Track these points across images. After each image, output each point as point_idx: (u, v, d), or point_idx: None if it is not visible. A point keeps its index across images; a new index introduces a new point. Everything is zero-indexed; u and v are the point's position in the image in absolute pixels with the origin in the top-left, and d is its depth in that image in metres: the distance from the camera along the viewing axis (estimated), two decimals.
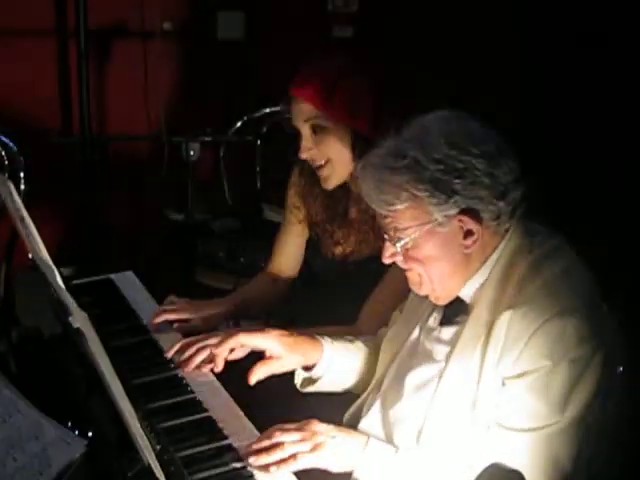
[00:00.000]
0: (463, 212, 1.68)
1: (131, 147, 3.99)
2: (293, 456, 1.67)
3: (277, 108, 3.69)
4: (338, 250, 2.43)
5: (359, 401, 2.02)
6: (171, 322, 2.32)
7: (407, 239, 1.73)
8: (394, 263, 2.26)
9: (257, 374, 1.93)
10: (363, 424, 1.94)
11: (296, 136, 2.30)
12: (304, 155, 2.28)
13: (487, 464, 1.42)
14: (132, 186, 4.00)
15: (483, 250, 1.74)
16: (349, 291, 2.39)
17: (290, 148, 2.39)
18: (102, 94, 3.95)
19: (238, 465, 1.71)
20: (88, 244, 3.80)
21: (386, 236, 1.78)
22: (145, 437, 1.53)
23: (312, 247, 2.54)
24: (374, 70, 2.29)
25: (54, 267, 1.58)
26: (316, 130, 2.24)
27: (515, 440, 1.64)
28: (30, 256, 1.88)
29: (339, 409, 2.04)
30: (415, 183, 1.66)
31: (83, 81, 3.76)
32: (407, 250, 1.75)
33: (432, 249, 1.72)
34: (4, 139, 3.29)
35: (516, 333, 1.64)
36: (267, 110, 3.72)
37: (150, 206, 3.87)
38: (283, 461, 1.67)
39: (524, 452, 1.62)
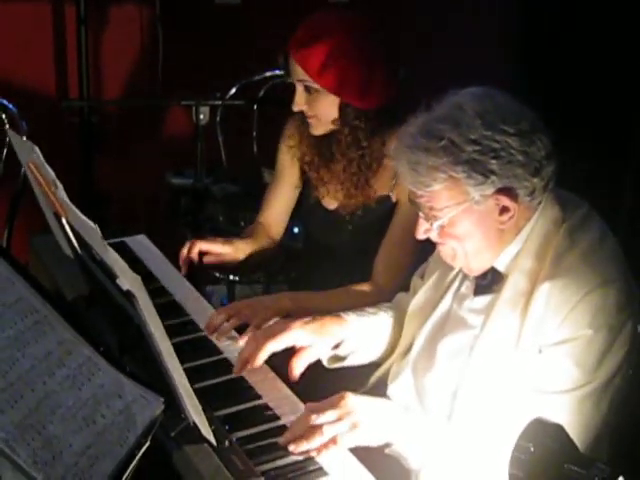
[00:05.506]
0: (499, 191, 1.69)
1: (129, 111, 3.98)
2: (333, 440, 1.63)
3: (273, 72, 3.70)
4: (329, 196, 2.50)
5: (383, 368, 2.04)
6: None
7: (444, 218, 1.74)
8: (392, 212, 2.29)
9: (296, 370, 1.87)
10: (393, 390, 1.96)
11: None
12: (295, 109, 2.40)
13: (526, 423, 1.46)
14: (131, 150, 4.00)
15: (516, 223, 1.76)
16: (347, 246, 2.47)
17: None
18: (99, 58, 3.94)
19: (276, 424, 1.76)
20: (88, 210, 3.78)
21: (421, 214, 1.79)
22: (194, 396, 1.55)
23: (306, 208, 2.60)
24: (368, 41, 2.34)
25: (98, 229, 1.57)
26: (309, 89, 2.35)
27: (548, 402, 1.67)
28: (64, 220, 1.89)
29: (361, 371, 2.07)
30: (452, 165, 1.67)
31: (82, 45, 3.74)
32: (442, 227, 1.76)
33: (468, 226, 1.74)
34: (5, 102, 3.27)
35: (557, 303, 1.67)
36: (265, 74, 3.72)
37: (149, 170, 3.86)
38: (324, 446, 1.63)
39: (557, 413, 1.62)
